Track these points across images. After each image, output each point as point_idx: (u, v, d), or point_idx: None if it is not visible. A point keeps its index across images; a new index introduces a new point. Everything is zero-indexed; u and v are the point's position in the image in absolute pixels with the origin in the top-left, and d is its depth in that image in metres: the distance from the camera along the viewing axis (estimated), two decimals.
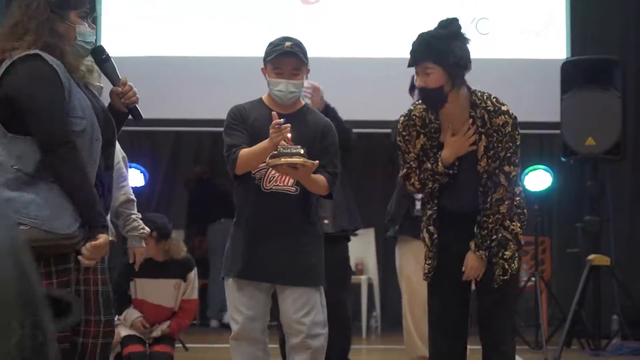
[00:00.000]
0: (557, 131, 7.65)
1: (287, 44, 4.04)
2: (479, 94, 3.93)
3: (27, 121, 3.18)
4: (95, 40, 3.45)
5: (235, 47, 8.31)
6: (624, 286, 7.67)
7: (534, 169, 7.68)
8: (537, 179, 7.64)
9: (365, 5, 8.55)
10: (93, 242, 3.20)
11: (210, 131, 8.93)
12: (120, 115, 3.46)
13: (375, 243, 8.81)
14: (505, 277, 3.95)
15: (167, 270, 6.09)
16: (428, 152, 3.98)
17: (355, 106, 7.29)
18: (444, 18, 3.92)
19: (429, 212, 4.04)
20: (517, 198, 4.04)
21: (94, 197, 3.22)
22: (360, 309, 8.52)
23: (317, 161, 3.87)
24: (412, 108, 4.04)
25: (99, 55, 3.47)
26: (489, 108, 3.89)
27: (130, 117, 3.49)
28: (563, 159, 7.61)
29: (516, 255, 3.99)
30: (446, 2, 8.26)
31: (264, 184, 4.02)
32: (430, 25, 3.99)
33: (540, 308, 7.40)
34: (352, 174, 8.38)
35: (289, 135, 3.83)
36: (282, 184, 4.02)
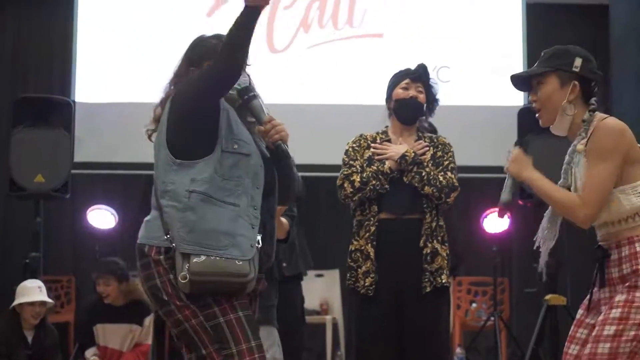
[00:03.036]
0: None
1: None
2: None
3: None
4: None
5: None
6: None
7: (493, 212, 7.91)
8: (496, 222, 7.88)
9: (332, 53, 8.74)
10: None
11: None
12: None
13: (340, 283, 8.95)
14: (431, 286, 4.23)
15: (126, 315, 6.24)
16: (374, 162, 4.37)
17: (321, 150, 7.49)
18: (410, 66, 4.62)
19: (372, 228, 4.29)
20: (444, 223, 4.39)
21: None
22: (325, 348, 8.66)
23: (285, 206, 3.98)
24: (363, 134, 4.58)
25: (247, 93, 3.39)
26: (433, 135, 4.61)
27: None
28: (520, 202, 7.84)
29: (444, 272, 4.25)
30: (408, 50, 8.51)
31: None
32: (394, 72, 4.69)
33: (500, 347, 7.54)
34: (317, 215, 8.54)
35: None
36: None
